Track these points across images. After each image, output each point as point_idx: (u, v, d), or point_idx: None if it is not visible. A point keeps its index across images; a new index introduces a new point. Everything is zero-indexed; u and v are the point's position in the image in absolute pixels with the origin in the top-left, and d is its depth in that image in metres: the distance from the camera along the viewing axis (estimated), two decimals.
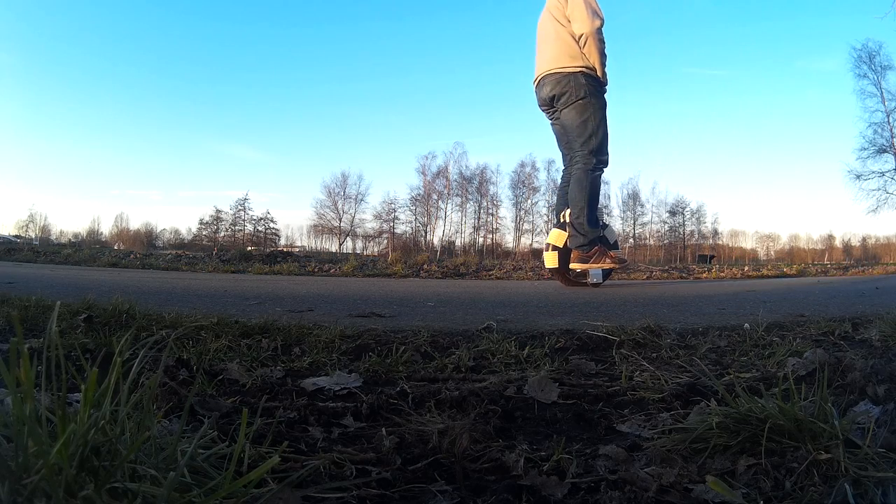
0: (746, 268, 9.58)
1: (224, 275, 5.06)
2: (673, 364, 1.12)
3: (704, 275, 7.08)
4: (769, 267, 10.77)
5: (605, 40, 3.27)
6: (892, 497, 0.52)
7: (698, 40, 62.21)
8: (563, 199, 3.47)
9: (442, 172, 42.37)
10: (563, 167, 3.55)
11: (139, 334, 1.19)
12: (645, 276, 6.18)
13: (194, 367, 0.98)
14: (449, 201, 43.46)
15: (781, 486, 0.55)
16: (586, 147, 3.27)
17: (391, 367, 1.07)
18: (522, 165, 43.86)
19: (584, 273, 3.40)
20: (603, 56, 3.24)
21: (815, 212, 67.97)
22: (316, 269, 6.27)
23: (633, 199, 45.85)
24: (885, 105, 24.56)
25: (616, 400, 0.89)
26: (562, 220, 3.46)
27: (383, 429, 0.71)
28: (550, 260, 3.51)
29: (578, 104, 3.25)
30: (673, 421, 0.75)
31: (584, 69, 3.23)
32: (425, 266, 6.39)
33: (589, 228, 3.29)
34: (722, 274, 7.38)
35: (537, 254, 41.91)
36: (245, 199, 45.41)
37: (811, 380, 0.91)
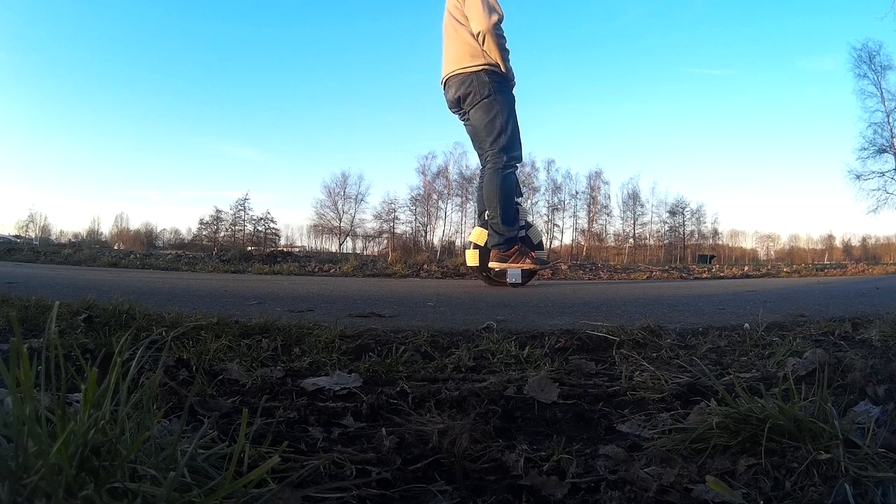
0: (747, 267, 9.59)
1: (224, 275, 5.06)
2: (673, 364, 1.12)
3: (705, 274, 7.09)
4: (769, 266, 10.78)
5: (506, 35, 3.22)
6: (892, 497, 0.52)
7: (698, 40, 62.28)
8: (481, 198, 3.45)
9: (442, 172, 42.45)
10: (481, 166, 3.52)
11: (139, 334, 1.19)
12: (645, 276, 6.18)
13: (194, 367, 0.98)
14: (449, 201, 43.55)
15: (781, 486, 0.55)
16: (496, 146, 3.25)
17: (391, 367, 1.07)
18: (522, 165, 43.83)
19: (504, 273, 3.37)
20: (504, 51, 3.19)
21: (815, 212, 68.11)
22: (316, 269, 6.27)
23: (633, 199, 45.86)
24: (885, 105, 24.59)
25: (616, 400, 0.89)
26: (485, 218, 3.45)
27: (383, 429, 0.71)
28: (471, 258, 3.50)
29: (484, 103, 3.22)
30: (673, 421, 0.75)
31: (486, 67, 3.20)
32: (425, 266, 6.39)
33: (505, 228, 3.27)
34: (722, 274, 7.38)
35: None
36: (245, 199, 45.43)
37: (811, 380, 0.91)
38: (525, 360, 1.15)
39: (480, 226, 3.47)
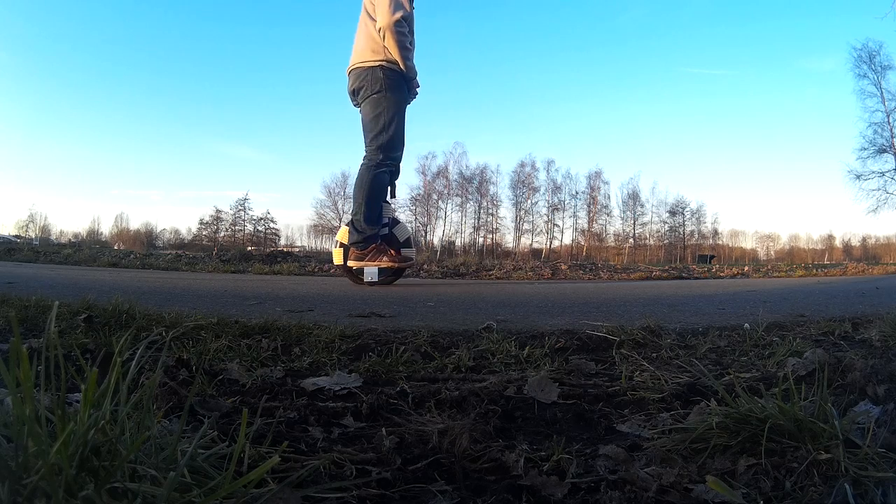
0: (746, 267, 9.58)
1: (224, 275, 5.06)
2: (673, 364, 1.12)
3: (705, 274, 7.09)
4: (769, 266, 10.78)
5: (411, 32, 3.22)
6: (892, 497, 0.52)
7: (698, 40, 62.30)
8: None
9: (442, 172, 42.48)
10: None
11: (139, 334, 1.19)
12: (645, 276, 6.19)
13: (194, 367, 0.98)
14: (449, 201, 43.57)
15: (781, 486, 0.55)
16: (375, 142, 3.24)
17: (391, 367, 1.07)
18: (522, 165, 43.93)
19: (362, 270, 3.37)
20: (404, 49, 3.17)
21: (815, 212, 68.15)
22: (316, 269, 6.27)
23: (633, 199, 45.88)
24: (885, 105, 24.62)
25: (616, 400, 0.89)
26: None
27: (383, 429, 0.71)
28: (337, 256, 3.51)
29: (373, 98, 3.22)
30: (673, 421, 0.75)
31: (384, 63, 3.20)
32: (425, 266, 6.39)
33: (365, 225, 3.26)
34: (722, 274, 7.38)
35: (537, 254, 41.97)
36: (245, 199, 45.46)
37: (811, 380, 0.91)
38: (525, 360, 1.15)
39: (347, 224, 3.48)
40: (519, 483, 0.57)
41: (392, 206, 3.52)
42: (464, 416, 0.77)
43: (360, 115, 3.34)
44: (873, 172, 24.64)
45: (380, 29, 3.12)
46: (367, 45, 3.24)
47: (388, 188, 3.40)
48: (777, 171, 68.32)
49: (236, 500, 0.45)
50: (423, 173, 42.62)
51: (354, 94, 3.35)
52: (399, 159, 3.37)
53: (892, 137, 24.49)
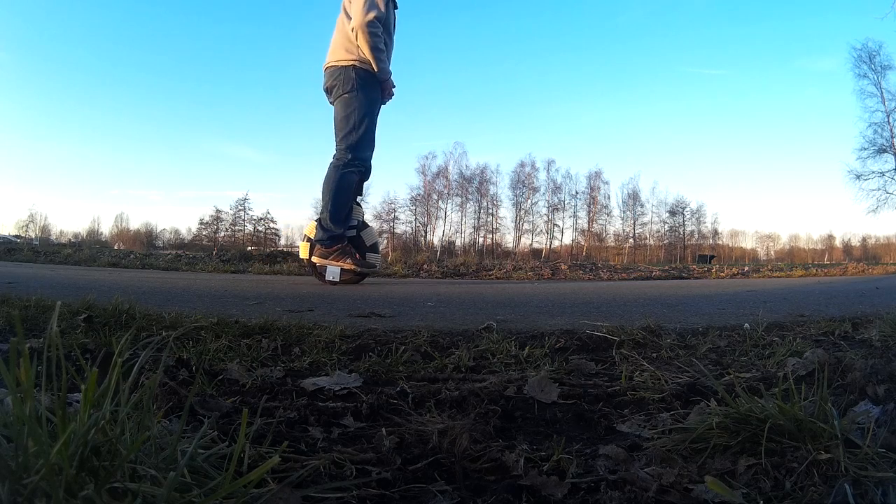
0: (746, 267, 9.59)
1: (224, 275, 5.06)
2: (673, 364, 1.12)
3: (705, 274, 7.09)
4: (769, 266, 10.78)
5: (384, 34, 3.22)
6: (892, 497, 0.52)
7: (698, 40, 62.30)
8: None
9: (442, 172, 42.50)
10: None
11: (139, 334, 1.19)
12: (645, 276, 6.19)
13: (194, 367, 0.98)
14: (449, 201, 43.59)
15: (781, 486, 0.55)
16: (345, 142, 3.25)
17: (391, 367, 1.07)
18: (522, 165, 43.99)
19: (325, 268, 3.38)
20: (376, 50, 3.16)
21: (815, 212, 68.16)
22: None
23: (633, 199, 45.90)
24: (885, 105, 24.61)
25: (616, 400, 0.89)
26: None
27: (383, 429, 0.71)
28: (304, 251, 3.51)
29: (345, 98, 3.23)
30: (673, 421, 0.75)
31: (356, 63, 3.21)
32: (425, 266, 6.39)
33: (332, 224, 3.28)
34: (722, 274, 7.38)
35: (537, 254, 41.97)
36: (245, 199, 45.50)
37: (811, 380, 0.91)
38: (525, 360, 1.15)
39: (315, 220, 3.49)
40: (519, 483, 0.57)
41: (362, 208, 3.52)
42: (464, 416, 0.77)
43: (333, 114, 3.35)
44: (873, 172, 24.66)
45: (353, 28, 3.12)
46: (341, 43, 3.24)
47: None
48: (777, 171, 68.41)
49: (236, 500, 0.45)
50: (423, 173, 42.70)
51: (328, 92, 3.36)
52: (368, 160, 3.37)
53: (892, 137, 24.49)
